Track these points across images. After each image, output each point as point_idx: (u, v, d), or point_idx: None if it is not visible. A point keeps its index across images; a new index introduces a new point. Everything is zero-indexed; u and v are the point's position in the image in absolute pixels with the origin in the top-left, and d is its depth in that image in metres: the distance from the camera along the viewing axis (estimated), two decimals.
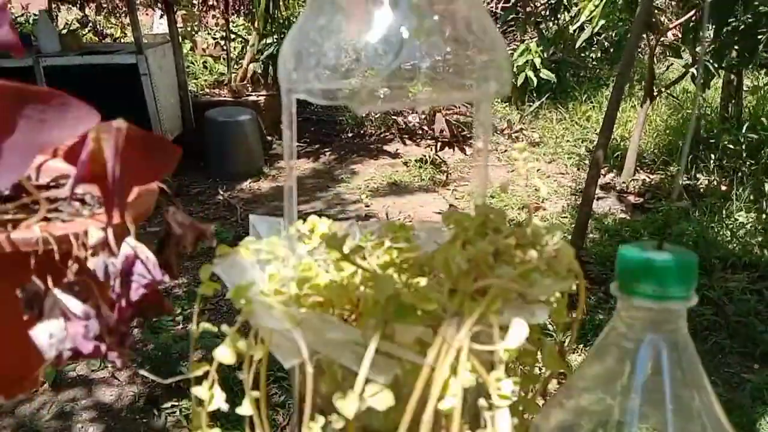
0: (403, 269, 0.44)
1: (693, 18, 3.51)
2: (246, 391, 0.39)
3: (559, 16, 5.32)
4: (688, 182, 3.93)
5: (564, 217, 3.60)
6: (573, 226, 3.02)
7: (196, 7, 6.21)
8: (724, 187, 3.83)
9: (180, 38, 4.93)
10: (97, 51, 4.34)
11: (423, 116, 5.20)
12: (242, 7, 6.06)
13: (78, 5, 6.51)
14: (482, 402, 0.34)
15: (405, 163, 4.67)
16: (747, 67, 3.91)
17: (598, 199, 3.72)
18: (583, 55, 6.27)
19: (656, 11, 4.12)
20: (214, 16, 6.60)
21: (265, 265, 0.44)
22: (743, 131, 4.17)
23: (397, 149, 5.00)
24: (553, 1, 4.89)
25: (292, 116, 0.41)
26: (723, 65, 3.71)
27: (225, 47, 6.01)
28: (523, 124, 5.38)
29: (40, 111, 0.33)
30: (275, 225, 0.49)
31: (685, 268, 0.38)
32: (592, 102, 5.57)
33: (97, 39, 6.67)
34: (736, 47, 3.36)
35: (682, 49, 4.21)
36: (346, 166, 4.71)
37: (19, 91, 0.33)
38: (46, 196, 0.44)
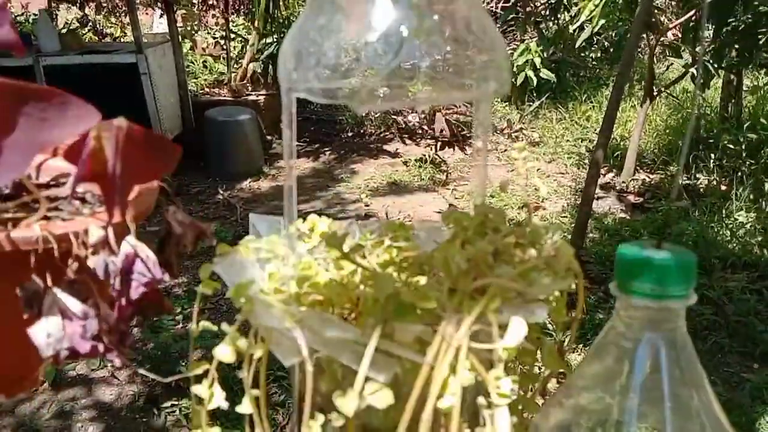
0: (403, 268, 0.44)
1: (693, 18, 3.51)
2: (246, 389, 0.39)
3: (559, 15, 5.32)
4: (687, 182, 3.94)
5: (564, 217, 3.61)
6: (573, 225, 3.03)
7: (196, 6, 6.21)
8: (723, 187, 3.83)
9: (180, 38, 4.93)
10: (96, 50, 4.34)
11: (423, 116, 5.20)
12: (242, 7, 6.07)
13: (78, 4, 6.51)
14: (481, 400, 0.34)
15: (405, 163, 4.67)
16: (747, 66, 3.91)
17: (598, 198, 3.72)
18: (583, 54, 6.27)
19: (656, 11, 4.12)
20: (213, 16, 6.60)
21: (264, 263, 0.44)
22: (743, 131, 4.17)
23: (396, 149, 5.00)
24: (553, 1, 4.89)
25: (292, 116, 0.41)
26: (723, 65, 3.71)
27: (225, 47, 6.01)
28: (523, 123, 5.38)
29: (41, 109, 0.33)
30: (275, 224, 0.49)
31: (684, 267, 0.38)
32: (592, 102, 5.57)
33: (96, 38, 6.67)
34: (736, 47, 3.36)
35: (682, 48, 4.21)
36: (346, 166, 4.71)
37: (19, 89, 0.33)
38: (46, 194, 0.44)
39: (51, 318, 0.37)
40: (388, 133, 5.29)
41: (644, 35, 3.75)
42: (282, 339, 0.37)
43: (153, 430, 2.08)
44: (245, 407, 0.39)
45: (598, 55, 6.55)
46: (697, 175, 4.03)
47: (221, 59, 6.27)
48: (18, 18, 6.84)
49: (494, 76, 0.38)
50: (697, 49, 3.64)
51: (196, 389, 0.38)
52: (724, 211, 3.47)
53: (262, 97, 5.17)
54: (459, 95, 0.39)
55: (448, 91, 0.38)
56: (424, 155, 4.64)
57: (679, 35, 4.11)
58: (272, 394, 2.04)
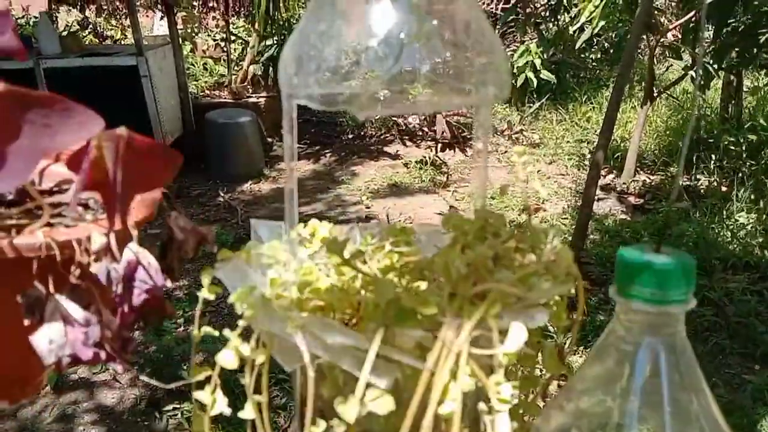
0: (404, 273, 0.44)
1: (693, 19, 3.51)
2: (248, 395, 0.39)
3: (558, 17, 5.33)
4: (688, 183, 3.94)
5: (564, 218, 3.61)
6: (573, 227, 3.03)
7: (197, 8, 6.21)
8: (724, 188, 3.83)
9: (180, 40, 4.94)
10: (97, 53, 4.34)
11: (423, 118, 5.21)
12: (242, 9, 6.07)
13: (78, 7, 6.51)
14: (482, 406, 0.34)
15: (405, 165, 4.67)
16: (747, 67, 3.92)
17: (599, 200, 3.72)
18: (583, 56, 6.27)
19: (656, 12, 4.12)
20: (214, 18, 6.61)
21: (266, 269, 0.44)
22: (743, 132, 4.17)
23: (397, 150, 5.01)
24: (553, 2, 4.90)
25: (292, 121, 0.41)
26: (723, 66, 3.71)
27: (225, 49, 6.02)
28: (523, 125, 5.38)
29: (44, 116, 0.33)
30: (276, 229, 0.49)
31: (683, 272, 0.38)
32: (592, 103, 5.57)
33: (97, 41, 6.68)
34: (736, 48, 3.36)
35: (682, 50, 4.22)
36: (347, 168, 4.71)
37: (23, 96, 0.33)
38: (49, 201, 0.45)
39: (53, 324, 0.37)
40: (388, 135, 5.30)
41: (644, 36, 3.76)
42: (284, 344, 0.37)
43: None
44: (248, 413, 0.39)
45: (598, 56, 6.56)
46: (698, 176, 4.03)
47: (221, 61, 6.28)
48: (19, 20, 6.85)
49: (494, 80, 0.39)
50: (697, 50, 3.65)
51: (199, 395, 0.39)
52: (724, 212, 3.47)
53: (262, 99, 5.18)
54: (459, 100, 0.39)
55: (448, 95, 0.38)
56: (425, 157, 4.64)
57: (679, 36, 4.11)
58: (274, 397, 2.04)
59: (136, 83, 4.08)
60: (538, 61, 5.40)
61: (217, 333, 0.44)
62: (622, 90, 2.85)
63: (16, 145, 0.32)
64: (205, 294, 0.43)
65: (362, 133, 5.36)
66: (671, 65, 5.06)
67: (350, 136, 5.35)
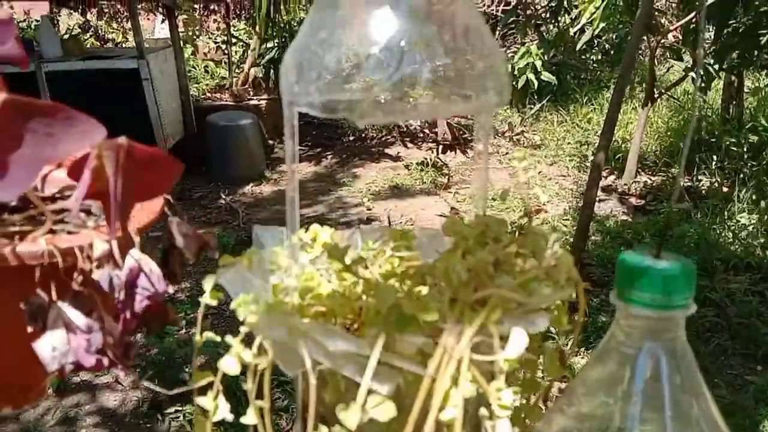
0: (405, 278, 0.44)
1: (693, 20, 3.51)
2: (250, 400, 0.39)
3: (559, 18, 5.33)
4: (689, 184, 3.94)
5: (566, 220, 3.61)
6: (575, 228, 3.03)
7: (198, 11, 6.22)
8: (725, 189, 3.83)
9: (181, 43, 4.95)
10: (98, 56, 4.35)
11: (424, 120, 5.21)
12: (243, 12, 6.09)
13: (79, 10, 6.52)
14: (483, 411, 0.35)
15: (406, 166, 4.67)
16: (748, 68, 3.92)
17: (600, 201, 3.72)
18: (583, 57, 6.28)
19: (657, 13, 4.13)
20: (215, 21, 6.62)
21: (268, 275, 0.44)
22: (744, 132, 4.17)
23: (398, 152, 5.01)
24: (553, 4, 4.90)
25: (294, 128, 0.41)
26: (724, 67, 3.71)
27: (226, 51, 6.03)
28: (524, 126, 5.39)
29: (47, 125, 0.33)
30: (278, 234, 0.49)
31: (684, 277, 0.38)
32: (593, 104, 5.57)
33: (98, 44, 6.69)
34: (737, 49, 3.36)
35: (683, 51, 4.22)
36: (348, 170, 4.71)
37: (25, 105, 0.34)
38: (52, 208, 0.45)
39: (56, 332, 0.37)
40: (389, 137, 5.30)
41: (645, 37, 3.76)
42: (285, 350, 0.37)
43: None
44: (250, 418, 0.39)
45: (599, 57, 6.56)
46: (699, 177, 4.03)
47: (223, 64, 6.29)
48: (20, 24, 6.87)
49: (494, 86, 0.39)
50: (697, 51, 3.65)
51: (201, 401, 0.39)
52: (726, 213, 3.47)
53: (263, 102, 5.19)
54: (460, 107, 0.39)
55: (449, 102, 0.38)
56: (426, 159, 4.64)
57: (680, 37, 4.11)
58: (276, 399, 2.04)
59: (137, 86, 4.09)
60: (538, 63, 5.40)
61: (219, 338, 0.44)
62: (622, 91, 2.85)
63: (18, 154, 0.32)
64: (207, 300, 0.43)
65: (363, 135, 5.37)
66: (672, 66, 5.07)
67: (351, 139, 5.35)
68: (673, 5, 5.01)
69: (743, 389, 2.23)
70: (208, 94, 5.72)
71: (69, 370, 0.38)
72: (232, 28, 6.15)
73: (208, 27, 6.88)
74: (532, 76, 5.42)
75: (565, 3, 4.87)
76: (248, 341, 0.40)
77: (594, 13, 4.04)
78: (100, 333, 0.39)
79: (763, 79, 5.07)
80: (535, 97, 5.63)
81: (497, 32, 6.62)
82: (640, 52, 5.31)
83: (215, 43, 6.75)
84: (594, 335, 2.42)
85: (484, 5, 6.52)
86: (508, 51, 6.43)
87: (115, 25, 7.20)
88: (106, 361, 0.39)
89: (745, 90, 4.54)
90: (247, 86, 5.64)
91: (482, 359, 0.34)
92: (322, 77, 0.37)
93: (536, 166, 4.56)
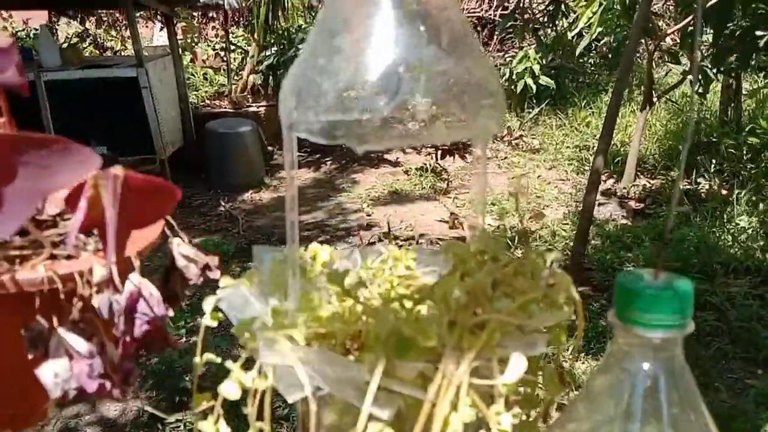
0: (404, 298, 0.44)
1: (691, 23, 3.52)
2: (250, 424, 0.39)
3: (557, 22, 5.34)
4: (688, 187, 3.94)
5: (565, 224, 3.61)
6: (574, 232, 3.03)
7: (196, 18, 6.24)
8: (724, 192, 3.83)
9: (180, 50, 4.95)
10: (97, 65, 4.36)
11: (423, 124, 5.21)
12: (242, 19, 6.10)
13: (78, 19, 6.54)
14: None
15: (406, 172, 4.68)
16: (745, 70, 3.92)
17: (599, 205, 3.72)
18: (581, 60, 6.29)
19: (654, 17, 4.14)
20: (213, 28, 6.64)
21: (268, 296, 0.45)
22: (743, 135, 4.18)
23: (397, 158, 5.02)
24: (551, 8, 4.91)
25: (293, 151, 0.41)
26: (721, 69, 3.72)
27: (225, 58, 6.04)
28: (523, 130, 5.39)
29: (42, 157, 0.34)
30: (278, 255, 0.49)
31: (681, 298, 0.38)
32: (591, 108, 5.58)
33: (97, 52, 6.70)
34: (734, 53, 3.36)
35: (681, 54, 4.22)
36: (347, 176, 4.72)
37: (20, 139, 0.34)
38: (51, 233, 0.45)
39: (58, 358, 0.38)
40: None
41: (643, 41, 3.77)
42: (285, 374, 0.37)
43: None
44: None
45: (597, 61, 6.57)
46: (698, 180, 4.04)
47: (221, 71, 6.30)
48: (19, 33, 6.88)
49: (492, 114, 0.39)
50: (693, 54, 3.65)
51: (202, 426, 0.39)
52: (725, 216, 3.47)
53: (262, 109, 5.20)
54: (458, 134, 0.40)
55: (447, 129, 0.38)
56: (425, 164, 4.65)
57: (678, 40, 4.12)
58: (276, 408, 2.04)
59: (136, 94, 4.10)
60: (536, 67, 5.41)
61: (219, 359, 0.44)
62: (621, 94, 2.86)
63: (13, 187, 0.32)
64: (207, 322, 0.44)
65: None
66: (670, 69, 5.08)
67: None
68: (671, 8, 5.03)
69: (744, 393, 2.23)
70: (207, 102, 5.73)
71: (72, 396, 0.38)
72: (230, 36, 6.16)
73: (207, 34, 6.89)
74: (530, 81, 5.43)
75: (563, 7, 4.88)
76: (249, 364, 0.40)
77: (591, 17, 4.05)
78: (101, 357, 0.39)
79: (761, 81, 5.08)
80: (534, 101, 5.64)
81: (495, 37, 6.63)
82: (638, 55, 5.32)
83: (214, 50, 6.77)
84: (594, 340, 2.42)
85: (482, 10, 6.54)
86: (506, 55, 6.44)
87: (113, 33, 7.21)
88: (108, 385, 0.39)
89: (744, 92, 4.55)
90: (245, 93, 5.65)
91: (481, 383, 0.35)
92: (321, 104, 0.37)
93: (535, 170, 4.57)
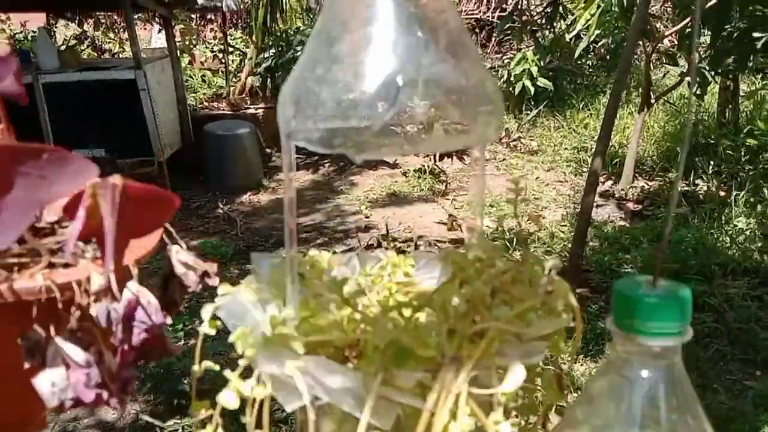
0: (403, 306, 0.44)
1: (689, 25, 3.53)
2: None
3: (555, 24, 5.34)
4: (686, 188, 3.94)
5: (563, 226, 3.61)
6: (572, 234, 3.03)
7: (194, 21, 6.23)
8: (722, 193, 3.83)
9: (178, 52, 4.95)
10: (95, 67, 4.35)
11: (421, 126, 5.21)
12: (240, 21, 6.10)
13: (76, 21, 6.54)
14: None
15: (404, 174, 4.68)
16: (743, 72, 3.93)
17: (597, 206, 3.73)
18: (579, 62, 6.29)
19: (652, 19, 4.14)
20: (212, 30, 6.63)
21: (266, 304, 0.44)
22: (741, 136, 4.18)
23: (395, 159, 5.02)
24: (549, 10, 4.91)
25: (291, 159, 0.41)
26: (719, 71, 3.72)
27: (223, 60, 6.04)
28: (521, 132, 5.40)
29: (39, 167, 0.34)
30: (277, 263, 0.49)
31: (680, 305, 0.38)
32: (589, 109, 5.59)
33: (95, 54, 6.70)
34: (732, 54, 3.37)
35: (678, 55, 4.23)
36: (346, 178, 4.72)
37: (18, 149, 0.34)
38: (49, 241, 0.45)
39: (55, 368, 0.37)
40: None
41: (640, 43, 3.77)
42: (284, 384, 0.37)
43: None
44: None
45: (595, 62, 6.58)
46: (696, 182, 4.04)
47: (220, 73, 6.30)
48: (17, 35, 6.87)
49: (490, 120, 0.39)
50: (690, 56, 3.66)
51: None
52: (723, 218, 3.48)
53: (260, 111, 5.19)
54: (457, 141, 0.40)
55: (446, 137, 0.38)
56: (423, 166, 4.65)
57: (675, 42, 4.13)
58: (275, 411, 2.04)
59: (134, 97, 4.09)
60: (534, 69, 5.41)
61: (217, 367, 0.44)
62: (619, 96, 2.86)
63: (10, 198, 0.32)
64: (206, 330, 0.44)
65: None
66: (668, 71, 5.08)
67: None
68: (669, 10, 5.03)
69: (742, 394, 2.23)
70: (206, 104, 5.73)
71: (69, 406, 0.38)
72: (228, 37, 6.16)
73: (205, 36, 6.89)
74: (528, 82, 5.44)
75: (561, 9, 4.88)
76: (247, 373, 0.40)
77: (589, 19, 4.05)
78: (99, 367, 0.39)
79: (759, 83, 5.08)
80: (532, 103, 5.64)
81: (493, 38, 6.63)
82: (635, 57, 5.32)
83: (212, 52, 6.77)
84: (593, 342, 2.42)
85: (480, 12, 6.54)
86: (504, 57, 6.45)
87: (111, 35, 7.21)
88: (105, 395, 0.39)
89: (741, 94, 4.55)
90: (244, 95, 5.65)
91: (480, 393, 0.35)
92: (319, 113, 0.37)
93: (533, 172, 4.57)
